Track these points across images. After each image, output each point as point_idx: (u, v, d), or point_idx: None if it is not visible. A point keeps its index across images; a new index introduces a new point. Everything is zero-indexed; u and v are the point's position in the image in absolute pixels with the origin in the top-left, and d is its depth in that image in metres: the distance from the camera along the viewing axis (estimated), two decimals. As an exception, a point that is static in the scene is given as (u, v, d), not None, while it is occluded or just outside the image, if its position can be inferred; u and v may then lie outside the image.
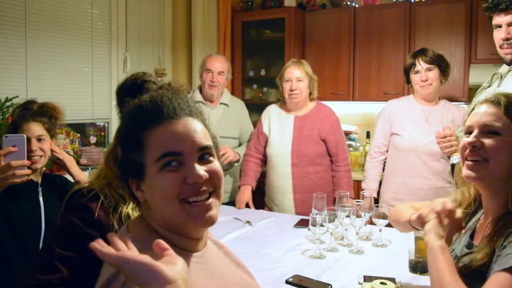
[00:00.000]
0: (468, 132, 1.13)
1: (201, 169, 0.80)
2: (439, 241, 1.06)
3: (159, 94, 0.84)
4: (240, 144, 2.91)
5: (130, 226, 0.86)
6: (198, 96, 2.77)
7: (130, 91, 0.89)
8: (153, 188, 0.80)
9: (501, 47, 1.76)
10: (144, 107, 0.82)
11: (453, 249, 1.23)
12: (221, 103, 2.82)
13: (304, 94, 2.55)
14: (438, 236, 1.07)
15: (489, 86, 1.90)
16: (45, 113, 1.78)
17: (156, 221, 0.83)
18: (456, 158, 1.68)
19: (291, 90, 2.52)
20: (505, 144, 1.05)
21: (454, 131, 1.87)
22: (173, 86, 0.87)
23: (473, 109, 1.16)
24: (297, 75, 2.52)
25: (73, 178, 1.91)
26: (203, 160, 0.82)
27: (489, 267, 1.01)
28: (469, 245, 1.15)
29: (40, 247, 1.68)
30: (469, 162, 1.10)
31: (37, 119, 1.72)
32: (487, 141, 1.07)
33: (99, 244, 0.68)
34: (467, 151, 1.10)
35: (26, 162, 1.53)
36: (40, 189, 1.74)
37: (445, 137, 1.85)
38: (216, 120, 2.75)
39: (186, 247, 0.83)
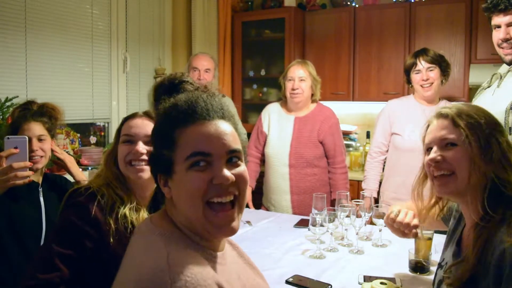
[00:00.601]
0: (428, 149, 1.17)
1: (228, 172, 0.81)
2: None
3: (194, 95, 0.86)
4: None
5: (153, 219, 0.88)
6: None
7: (167, 90, 0.90)
8: (180, 186, 0.82)
9: (499, 46, 1.76)
10: (179, 106, 0.85)
11: (443, 258, 1.24)
12: None
13: (306, 94, 2.54)
14: None
15: (488, 87, 1.90)
16: (45, 113, 1.78)
17: (179, 219, 0.85)
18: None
19: (293, 89, 2.52)
20: (464, 153, 1.08)
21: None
22: (209, 89, 0.89)
23: (427, 127, 1.20)
24: (300, 75, 2.52)
25: (74, 178, 1.91)
26: (231, 163, 0.83)
27: (478, 275, 1.01)
28: (457, 253, 1.17)
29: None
30: (437, 178, 1.13)
31: (38, 119, 1.72)
32: (448, 154, 1.10)
33: None
34: (431, 168, 1.14)
35: (28, 164, 1.53)
36: (40, 189, 1.74)
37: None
38: None
39: (209, 246, 0.85)
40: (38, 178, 1.75)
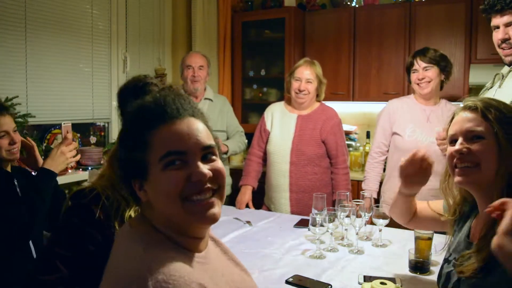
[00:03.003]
0: (453, 140, 1.15)
1: (204, 168, 0.81)
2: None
3: (162, 95, 0.85)
4: (227, 138, 2.98)
5: (132, 223, 0.87)
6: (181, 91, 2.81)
7: (132, 93, 0.90)
8: (157, 187, 0.80)
9: (499, 47, 1.77)
10: (148, 107, 0.83)
11: (450, 253, 1.23)
12: (205, 99, 2.92)
13: (311, 95, 2.56)
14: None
15: (491, 87, 1.90)
16: (6, 106, 1.82)
17: (158, 221, 0.83)
18: None
19: (299, 90, 2.53)
20: (490, 146, 1.07)
21: None
22: (175, 89, 0.88)
23: (452, 118, 1.19)
24: (307, 76, 2.53)
25: (37, 163, 1.90)
26: (206, 159, 0.83)
27: (493, 265, 1.01)
28: (468, 245, 1.16)
29: (30, 237, 1.68)
30: (460, 169, 1.12)
31: (7, 113, 1.75)
32: (474, 146, 1.09)
33: None
34: (455, 159, 1.12)
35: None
36: (15, 181, 1.74)
37: (444, 138, 1.83)
38: None
39: (189, 247, 0.84)
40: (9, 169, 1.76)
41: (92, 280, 1.17)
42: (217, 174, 0.83)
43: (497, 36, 1.74)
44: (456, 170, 1.13)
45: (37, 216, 1.67)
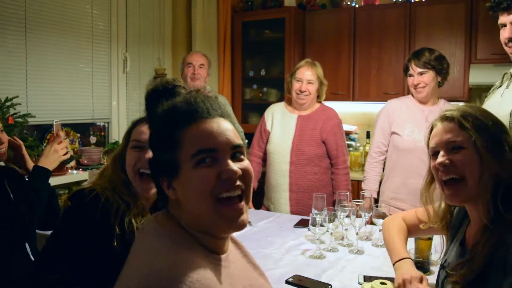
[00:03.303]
0: (434, 153, 1.15)
1: (234, 165, 0.82)
2: None
3: (192, 96, 0.87)
4: None
5: (159, 219, 0.87)
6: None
7: (162, 94, 0.91)
8: (188, 185, 0.82)
9: (506, 45, 1.73)
10: (179, 107, 0.85)
11: (446, 259, 1.23)
12: None
13: (312, 96, 2.56)
14: None
15: (500, 86, 1.89)
16: None
17: (186, 220, 0.84)
18: None
19: (301, 91, 2.53)
20: (471, 155, 1.07)
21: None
22: (202, 91, 0.90)
23: (431, 130, 1.18)
24: (308, 77, 2.53)
25: (26, 162, 1.86)
26: (235, 158, 0.84)
27: (487, 275, 1.01)
28: (463, 253, 1.16)
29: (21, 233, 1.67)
30: (448, 186, 1.11)
31: None
32: (455, 157, 1.09)
33: None
34: (440, 172, 1.12)
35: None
36: (5, 180, 1.72)
37: None
38: None
39: (214, 247, 0.85)
40: None
41: (92, 280, 1.17)
42: (245, 173, 0.84)
43: (504, 34, 1.70)
44: (445, 188, 1.13)
45: (35, 216, 1.67)
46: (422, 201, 1.26)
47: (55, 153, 1.78)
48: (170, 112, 0.86)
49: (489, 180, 1.06)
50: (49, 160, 1.77)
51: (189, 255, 0.78)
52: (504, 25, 1.72)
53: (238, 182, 0.82)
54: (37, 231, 2.01)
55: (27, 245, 1.69)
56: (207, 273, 0.77)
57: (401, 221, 1.46)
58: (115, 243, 1.16)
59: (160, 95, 0.92)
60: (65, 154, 1.83)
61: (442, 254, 1.29)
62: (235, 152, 0.84)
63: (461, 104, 1.21)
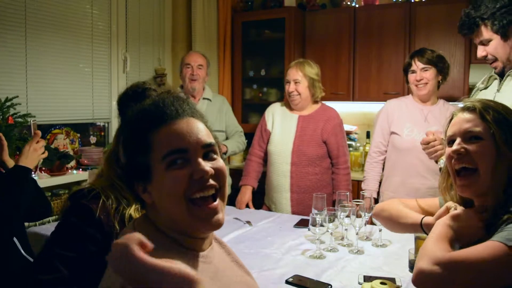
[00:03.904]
0: (451, 141, 1.15)
1: (206, 165, 0.82)
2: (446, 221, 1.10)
3: (160, 98, 0.86)
4: (227, 138, 2.96)
5: (136, 224, 0.87)
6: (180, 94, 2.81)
7: (132, 98, 0.91)
8: (161, 188, 0.81)
9: (486, 61, 1.83)
10: (148, 110, 0.85)
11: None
12: (204, 98, 2.90)
13: (304, 96, 2.56)
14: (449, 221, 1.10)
15: (485, 88, 1.91)
16: None
17: (163, 222, 0.84)
18: (442, 162, 1.67)
19: (289, 92, 2.55)
20: (488, 147, 1.07)
21: (438, 135, 1.85)
22: (173, 92, 0.89)
23: (451, 119, 1.19)
24: (294, 77, 2.55)
25: (5, 161, 1.84)
26: (207, 157, 0.84)
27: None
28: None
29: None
30: (460, 177, 1.11)
31: None
32: (471, 147, 1.09)
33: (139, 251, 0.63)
34: (453, 160, 1.12)
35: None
36: None
37: (428, 143, 1.79)
38: None
39: (193, 246, 0.85)
40: None
41: (92, 280, 1.17)
42: (218, 172, 0.83)
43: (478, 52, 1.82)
44: (457, 178, 1.12)
45: (19, 210, 1.67)
46: (441, 193, 1.24)
47: (35, 152, 1.78)
48: (139, 116, 0.85)
49: (503, 173, 1.05)
50: (30, 159, 1.76)
51: (164, 254, 0.76)
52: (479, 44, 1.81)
53: (211, 182, 0.81)
54: (36, 230, 2.00)
55: (16, 240, 1.68)
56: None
57: (401, 202, 1.41)
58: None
59: (130, 99, 0.92)
60: (43, 153, 1.83)
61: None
62: (207, 152, 0.84)
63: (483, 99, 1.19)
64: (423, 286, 1.00)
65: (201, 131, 0.84)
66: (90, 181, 1.39)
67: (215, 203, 0.83)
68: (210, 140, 0.85)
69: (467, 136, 1.10)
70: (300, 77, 2.54)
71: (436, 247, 1.03)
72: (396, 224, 1.36)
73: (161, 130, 0.82)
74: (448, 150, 1.14)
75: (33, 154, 1.78)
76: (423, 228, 1.24)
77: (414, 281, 1.01)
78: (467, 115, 1.13)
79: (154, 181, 0.82)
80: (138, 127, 0.84)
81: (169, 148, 0.80)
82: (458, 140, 1.12)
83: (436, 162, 1.80)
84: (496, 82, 1.86)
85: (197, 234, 0.85)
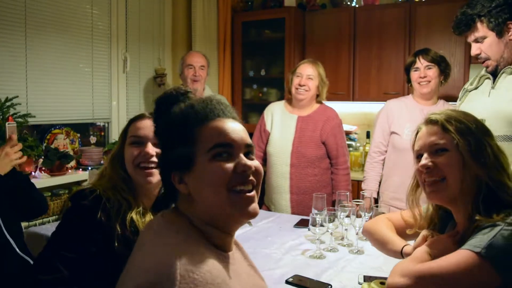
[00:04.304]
0: (419, 155, 1.16)
1: (249, 160, 0.87)
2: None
3: (207, 99, 0.93)
4: None
5: (166, 217, 0.89)
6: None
7: (175, 98, 0.93)
8: (203, 177, 0.85)
9: (478, 59, 1.87)
10: (196, 106, 0.90)
11: None
12: None
13: (311, 93, 2.55)
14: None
15: (475, 88, 1.93)
16: None
17: (197, 214, 0.86)
18: None
19: (300, 85, 2.53)
20: (454, 158, 1.08)
21: None
22: (213, 98, 0.94)
23: (416, 133, 1.20)
24: (308, 72, 2.54)
25: None
26: (247, 156, 0.88)
27: None
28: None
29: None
30: (428, 184, 1.12)
31: None
32: (439, 160, 1.10)
33: None
34: (423, 174, 1.13)
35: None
36: None
37: None
38: None
39: (223, 244, 0.87)
40: None
41: (92, 280, 1.17)
42: (257, 170, 0.89)
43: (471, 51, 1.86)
44: (426, 186, 1.14)
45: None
46: (409, 204, 1.26)
47: (7, 156, 1.72)
48: (188, 111, 0.90)
49: (471, 182, 1.07)
50: (0, 164, 1.71)
51: (198, 248, 0.81)
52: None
53: (251, 177, 0.86)
54: (36, 230, 2.00)
55: (10, 239, 1.67)
56: (216, 265, 0.79)
57: (387, 221, 1.43)
58: (116, 244, 1.16)
59: (172, 99, 0.95)
60: (20, 158, 1.76)
61: None
62: (248, 151, 0.89)
63: (448, 109, 1.22)
64: None
65: (244, 132, 0.91)
66: (91, 181, 1.39)
67: (253, 192, 0.87)
68: (250, 141, 0.91)
69: (433, 149, 1.12)
70: (313, 74, 2.54)
71: (405, 263, 1.07)
72: (382, 249, 1.38)
73: (208, 124, 0.87)
74: (417, 165, 1.16)
75: (4, 159, 1.72)
76: (404, 257, 1.26)
77: None
78: (430, 128, 1.14)
79: (195, 170, 0.85)
80: (186, 121, 0.89)
81: (216, 141, 0.85)
82: (425, 154, 1.13)
83: None
84: (488, 82, 1.88)
85: (232, 224, 0.88)
